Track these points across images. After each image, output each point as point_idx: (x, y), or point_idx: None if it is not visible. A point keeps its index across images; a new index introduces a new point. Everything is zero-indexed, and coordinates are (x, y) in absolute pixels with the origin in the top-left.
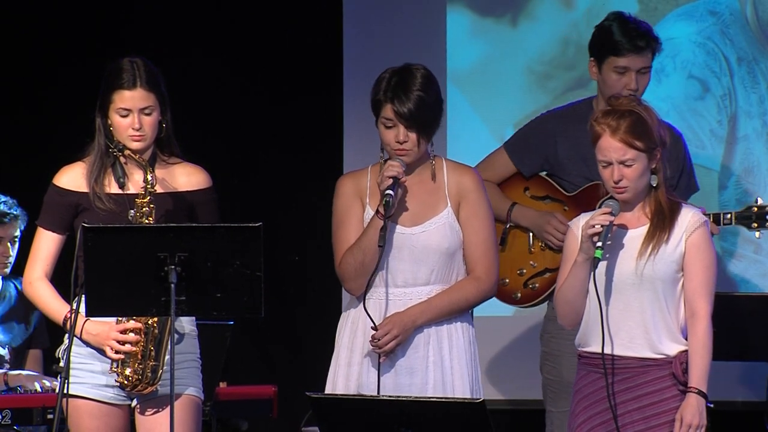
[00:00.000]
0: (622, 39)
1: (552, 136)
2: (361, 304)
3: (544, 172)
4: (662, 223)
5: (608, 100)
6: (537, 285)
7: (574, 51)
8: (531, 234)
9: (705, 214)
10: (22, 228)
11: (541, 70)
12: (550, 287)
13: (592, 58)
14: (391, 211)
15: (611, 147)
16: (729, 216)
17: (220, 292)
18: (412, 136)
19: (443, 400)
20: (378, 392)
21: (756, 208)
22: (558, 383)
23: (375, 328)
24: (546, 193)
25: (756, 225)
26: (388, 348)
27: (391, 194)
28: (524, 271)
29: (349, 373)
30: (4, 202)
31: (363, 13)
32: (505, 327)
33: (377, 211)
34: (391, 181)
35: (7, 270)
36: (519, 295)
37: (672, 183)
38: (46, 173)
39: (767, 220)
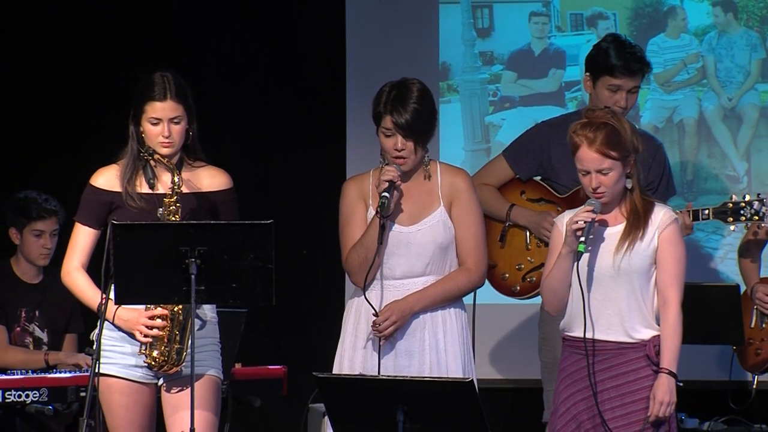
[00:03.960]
0: (618, 62)
1: (547, 143)
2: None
3: (539, 177)
4: (637, 222)
5: (585, 113)
6: (534, 278)
7: None
8: (528, 232)
9: (686, 212)
10: (61, 222)
11: None
12: None
13: (587, 73)
14: (388, 211)
15: (588, 157)
16: (707, 212)
17: (235, 282)
18: (409, 144)
19: (436, 379)
20: (378, 373)
21: (731, 204)
22: (554, 365)
23: (376, 315)
24: (540, 196)
25: (731, 219)
26: (387, 332)
27: (386, 196)
28: (522, 266)
29: (353, 356)
30: (46, 200)
31: (364, 25)
32: (505, 314)
33: (376, 212)
34: (387, 184)
35: (47, 261)
36: (518, 288)
37: (653, 186)
38: (83, 175)
39: (741, 214)
